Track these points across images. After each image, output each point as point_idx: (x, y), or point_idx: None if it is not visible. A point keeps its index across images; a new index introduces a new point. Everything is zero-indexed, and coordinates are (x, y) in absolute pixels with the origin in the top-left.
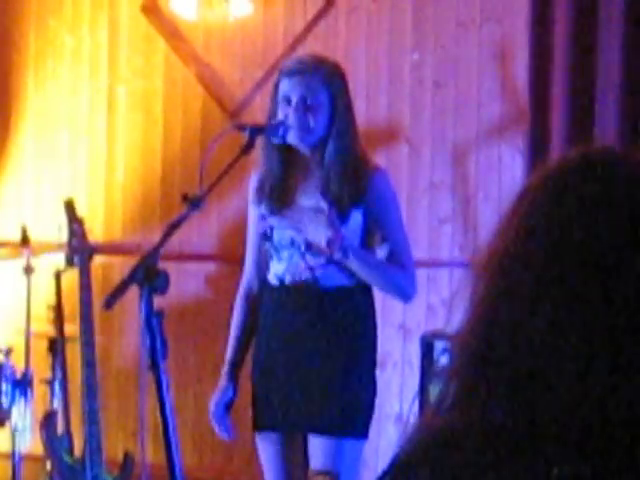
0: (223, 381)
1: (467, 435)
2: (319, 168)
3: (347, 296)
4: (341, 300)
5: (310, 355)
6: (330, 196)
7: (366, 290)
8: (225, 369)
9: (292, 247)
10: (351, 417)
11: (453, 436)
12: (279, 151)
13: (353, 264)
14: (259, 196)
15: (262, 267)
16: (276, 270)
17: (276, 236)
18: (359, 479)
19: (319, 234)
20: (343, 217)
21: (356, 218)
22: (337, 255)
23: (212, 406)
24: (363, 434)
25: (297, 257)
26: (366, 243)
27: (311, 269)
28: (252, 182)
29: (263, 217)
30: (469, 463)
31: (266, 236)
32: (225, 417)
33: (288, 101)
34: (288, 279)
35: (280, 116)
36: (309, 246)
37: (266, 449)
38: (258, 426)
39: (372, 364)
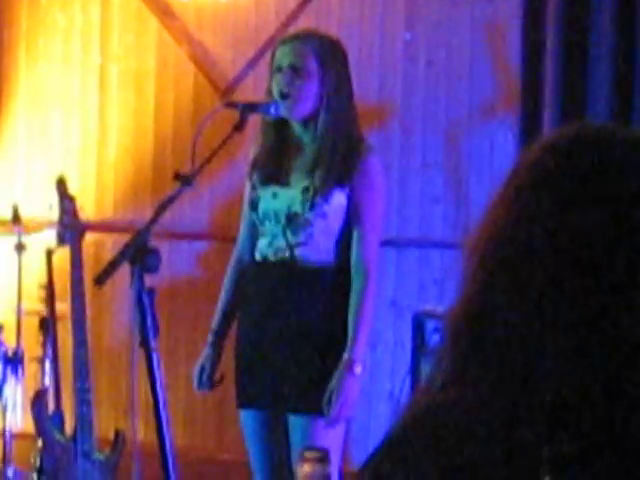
0: (206, 350)
1: (458, 413)
2: (311, 145)
3: (326, 275)
4: (319, 279)
5: (288, 334)
6: (316, 176)
7: (345, 270)
8: (209, 338)
9: (275, 221)
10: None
11: (444, 414)
12: (275, 127)
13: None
14: (251, 169)
15: (254, 240)
16: (260, 245)
17: (261, 207)
18: (340, 458)
19: None
20: (325, 197)
21: (339, 199)
22: (359, 371)
23: (194, 372)
24: None
25: (278, 233)
26: (348, 225)
27: (290, 247)
28: (250, 156)
29: (253, 187)
30: (460, 441)
31: (252, 206)
32: (205, 383)
33: (279, 69)
34: (269, 255)
35: (272, 86)
36: (290, 221)
37: (248, 426)
38: (240, 403)
39: None
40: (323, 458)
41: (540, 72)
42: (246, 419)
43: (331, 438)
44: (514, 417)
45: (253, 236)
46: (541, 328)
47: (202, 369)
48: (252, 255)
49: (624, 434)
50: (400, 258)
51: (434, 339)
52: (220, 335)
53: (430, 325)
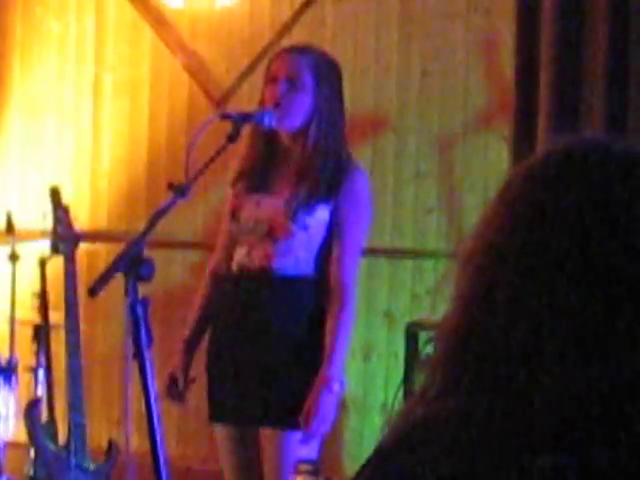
0: (177, 359)
1: (451, 424)
2: (299, 157)
3: (302, 287)
4: (296, 291)
5: (262, 346)
6: (301, 188)
7: (322, 284)
8: (180, 348)
9: (255, 231)
10: (300, 410)
11: (437, 425)
12: (264, 138)
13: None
14: (236, 177)
15: (231, 252)
16: (237, 255)
17: (242, 216)
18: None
19: None
20: (309, 209)
21: (323, 213)
22: (337, 389)
23: (165, 379)
24: None
25: (257, 242)
26: (329, 240)
27: (268, 256)
28: (235, 164)
29: (236, 196)
30: (452, 452)
31: (234, 214)
32: (181, 395)
33: (274, 79)
34: (246, 265)
35: (265, 96)
36: (271, 231)
37: (220, 440)
38: (211, 417)
39: None
40: (316, 470)
41: (534, 83)
42: (219, 433)
43: (305, 453)
44: (510, 427)
45: (230, 247)
46: (539, 340)
47: (174, 380)
48: (228, 266)
49: (622, 445)
50: (393, 268)
51: (428, 349)
52: (192, 345)
53: (424, 335)
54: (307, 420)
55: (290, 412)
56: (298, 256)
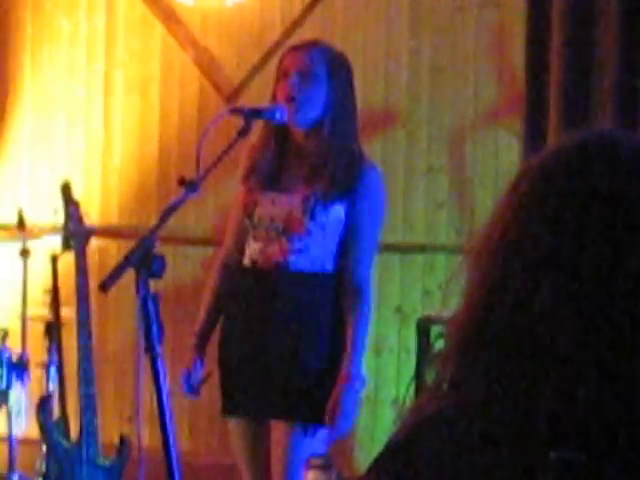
0: (190, 354)
1: (462, 419)
2: (313, 153)
3: (316, 282)
4: (310, 286)
5: (276, 340)
6: (318, 186)
7: (336, 279)
8: (193, 341)
9: (270, 227)
10: (315, 404)
11: (448, 419)
12: (276, 133)
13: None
14: (248, 172)
15: (241, 246)
16: (251, 251)
17: (257, 212)
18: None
19: None
20: (326, 207)
21: (339, 211)
22: (359, 386)
23: (181, 376)
24: None
25: (273, 238)
26: (346, 238)
27: (283, 253)
28: (244, 159)
29: (250, 191)
30: (464, 446)
31: (248, 210)
32: (196, 389)
33: (287, 74)
34: (260, 260)
35: (277, 91)
36: (287, 229)
37: (235, 434)
38: (225, 411)
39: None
40: (328, 465)
41: (544, 78)
42: (233, 427)
43: (316, 447)
44: (519, 422)
45: (241, 241)
46: (549, 334)
47: (190, 374)
48: (238, 260)
49: (630, 440)
50: (405, 263)
51: (439, 344)
52: (204, 338)
53: (435, 330)
54: (332, 417)
55: (304, 404)
56: (314, 253)
